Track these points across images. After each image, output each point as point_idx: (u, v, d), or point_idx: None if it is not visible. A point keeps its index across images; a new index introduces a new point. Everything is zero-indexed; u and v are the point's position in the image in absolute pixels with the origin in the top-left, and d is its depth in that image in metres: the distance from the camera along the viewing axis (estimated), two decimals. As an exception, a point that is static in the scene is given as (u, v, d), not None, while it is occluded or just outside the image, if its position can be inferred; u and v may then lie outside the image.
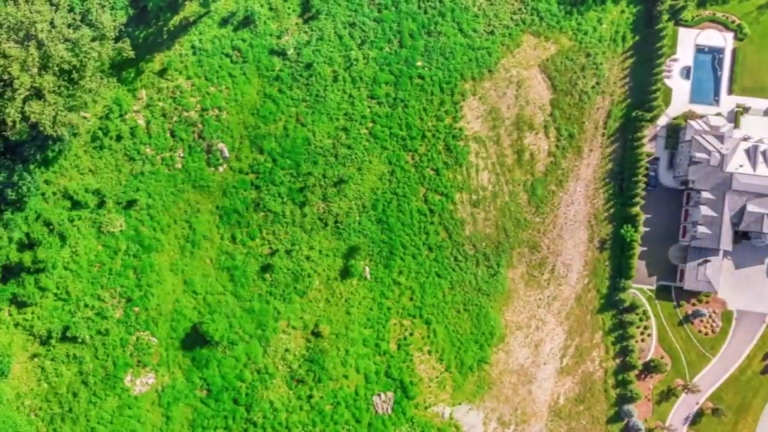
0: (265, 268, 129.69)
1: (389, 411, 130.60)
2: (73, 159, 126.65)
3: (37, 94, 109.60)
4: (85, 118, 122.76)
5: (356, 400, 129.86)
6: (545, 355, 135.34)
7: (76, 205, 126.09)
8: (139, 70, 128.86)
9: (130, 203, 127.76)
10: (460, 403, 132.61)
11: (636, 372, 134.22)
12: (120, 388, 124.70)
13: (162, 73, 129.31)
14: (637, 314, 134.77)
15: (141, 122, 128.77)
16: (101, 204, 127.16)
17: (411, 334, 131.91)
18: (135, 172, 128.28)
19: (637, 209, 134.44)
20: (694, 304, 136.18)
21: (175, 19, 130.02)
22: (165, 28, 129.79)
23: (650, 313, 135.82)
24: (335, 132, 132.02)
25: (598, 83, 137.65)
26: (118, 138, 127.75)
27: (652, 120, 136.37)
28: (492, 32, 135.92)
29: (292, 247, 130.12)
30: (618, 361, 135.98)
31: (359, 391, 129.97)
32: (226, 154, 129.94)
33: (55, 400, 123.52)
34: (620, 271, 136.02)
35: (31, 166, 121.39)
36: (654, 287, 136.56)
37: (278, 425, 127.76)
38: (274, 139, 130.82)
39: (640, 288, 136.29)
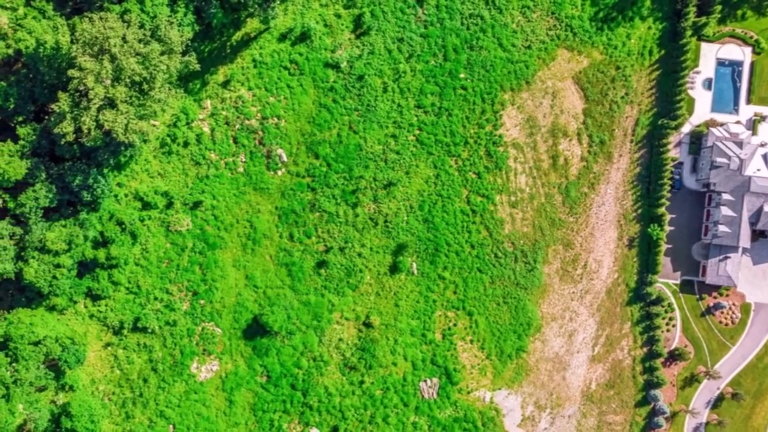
0: (321, 264, 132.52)
1: (435, 395, 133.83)
2: (143, 163, 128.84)
3: (110, 103, 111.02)
4: (154, 125, 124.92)
5: (404, 385, 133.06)
6: (578, 344, 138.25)
7: (146, 206, 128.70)
8: (205, 81, 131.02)
9: (196, 204, 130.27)
10: (500, 389, 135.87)
11: (662, 360, 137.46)
12: (187, 375, 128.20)
13: (225, 84, 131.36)
14: (662, 306, 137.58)
15: (206, 130, 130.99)
16: (169, 205, 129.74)
17: (455, 325, 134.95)
18: (200, 175, 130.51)
19: (662, 210, 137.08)
20: (715, 297, 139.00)
21: (238, 35, 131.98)
22: (228, 43, 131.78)
23: (675, 306, 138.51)
24: (385, 139, 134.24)
25: (626, 94, 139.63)
26: (185, 144, 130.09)
27: (677, 127, 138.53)
28: (529, 47, 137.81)
29: (345, 245, 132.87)
30: (645, 349, 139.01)
31: (407, 377, 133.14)
32: (285, 159, 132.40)
33: (126, 386, 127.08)
34: (647, 266, 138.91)
35: (105, 170, 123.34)
36: (678, 282, 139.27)
37: (332, 408, 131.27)
38: (329, 145, 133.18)
39: (665, 282, 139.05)
